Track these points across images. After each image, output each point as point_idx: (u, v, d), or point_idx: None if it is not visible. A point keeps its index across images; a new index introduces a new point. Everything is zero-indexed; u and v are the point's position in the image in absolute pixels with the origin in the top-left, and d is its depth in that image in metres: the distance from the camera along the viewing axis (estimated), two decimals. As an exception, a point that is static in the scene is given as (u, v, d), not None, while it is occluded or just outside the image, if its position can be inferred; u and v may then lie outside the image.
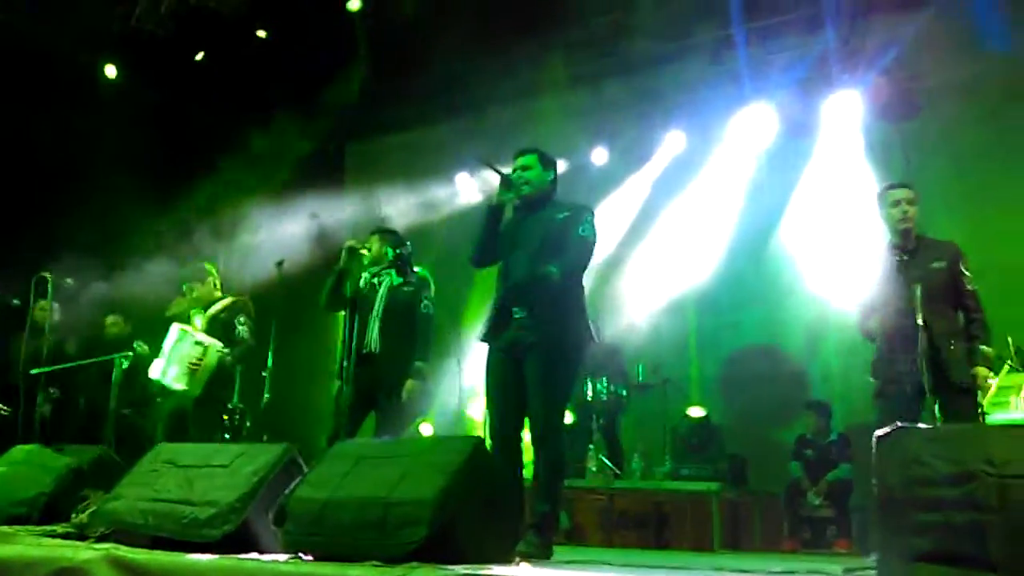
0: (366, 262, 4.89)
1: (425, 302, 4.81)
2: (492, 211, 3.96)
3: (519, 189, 3.92)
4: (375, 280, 4.86)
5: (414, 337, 4.73)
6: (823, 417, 6.58)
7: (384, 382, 4.63)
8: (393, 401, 4.62)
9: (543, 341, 3.72)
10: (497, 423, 3.85)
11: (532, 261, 3.79)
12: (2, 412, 5.73)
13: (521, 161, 4.01)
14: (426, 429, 7.79)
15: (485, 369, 3.94)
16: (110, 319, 6.79)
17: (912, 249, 4.13)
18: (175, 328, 5.18)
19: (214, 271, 5.59)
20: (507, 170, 4.00)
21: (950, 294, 4.07)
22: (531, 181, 3.95)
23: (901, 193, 4.21)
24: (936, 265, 4.06)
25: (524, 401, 3.77)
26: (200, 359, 5.00)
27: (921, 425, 2.52)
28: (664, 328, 7.66)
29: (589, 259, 3.89)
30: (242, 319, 5.29)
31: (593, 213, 3.95)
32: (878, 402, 4.15)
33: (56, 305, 6.38)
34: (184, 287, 5.65)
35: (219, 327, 5.29)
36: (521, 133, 8.95)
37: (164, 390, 5.27)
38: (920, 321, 3.71)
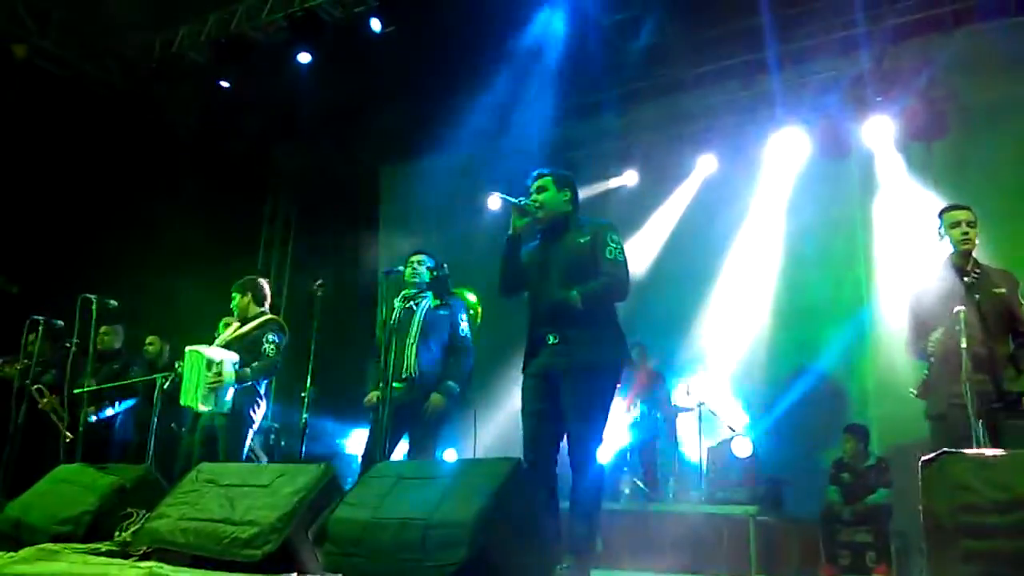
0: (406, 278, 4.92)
1: (463, 324, 4.83)
2: (510, 241, 3.93)
3: (534, 214, 3.87)
4: (412, 304, 4.88)
5: (450, 360, 4.76)
6: (861, 441, 6.48)
7: (420, 405, 4.66)
8: (428, 423, 4.66)
9: (577, 366, 3.67)
10: (529, 447, 3.78)
11: (560, 287, 3.74)
12: (66, 438, 5.84)
13: (535, 185, 3.95)
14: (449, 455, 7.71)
15: (522, 392, 3.89)
16: (148, 339, 6.91)
17: (974, 272, 4.08)
18: (187, 352, 5.22)
19: (262, 285, 5.64)
20: (520, 198, 3.93)
21: (1007, 321, 4.01)
22: (545, 204, 3.88)
23: (962, 214, 4.15)
24: (998, 291, 4.01)
25: (559, 426, 3.73)
26: (218, 376, 5.02)
27: (968, 451, 2.48)
28: (699, 352, 7.62)
29: (627, 281, 3.81)
30: (270, 337, 5.30)
31: (616, 230, 3.87)
32: (935, 424, 4.04)
33: (119, 328, 6.52)
34: (222, 323, 5.78)
35: (247, 343, 5.31)
36: (554, 155, 9.03)
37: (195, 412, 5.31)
38: (964, 344, 3.64)
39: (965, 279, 4.02)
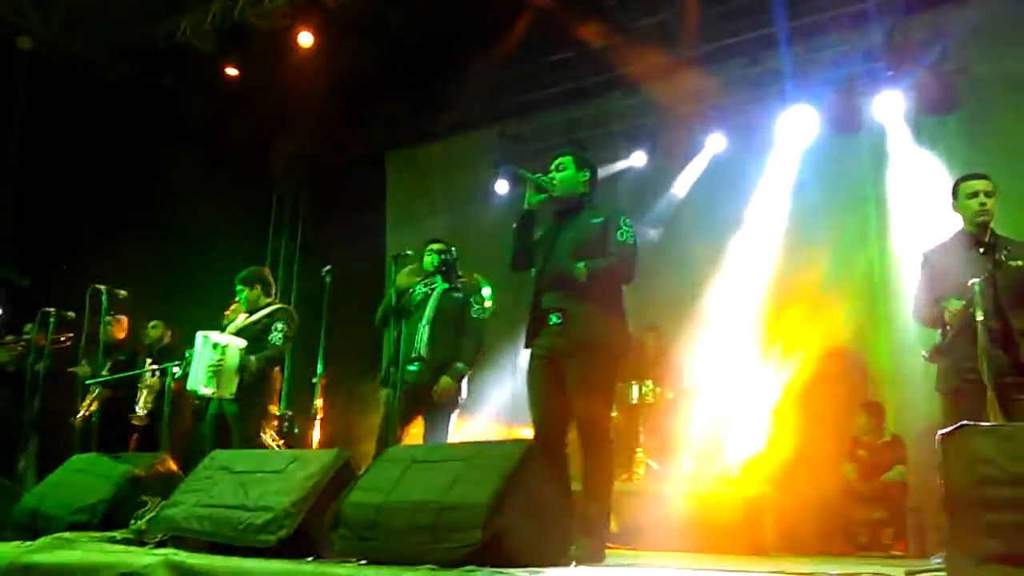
0: (408, 272, 4.95)
1: (476, 307, 4.88)
2: (524, 215, 3.96)
3: (550, 191, 3.90)
4: (427, 289, 4.96)
5: (462, 342, 4.81)
6: (876, 418, 6.45)
7: (431, 386, 4.70)
8: (440, 405, 4.70)
9: (580, 345, 3.70)
10: (538, 426, 3.82)
11: (566, 262, 3.77)
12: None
13: (556, 162, 3.99)
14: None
15: (527, 373, 3.93)
16: (151, 323, 6.91)
17: (989, 243, 4.00)
18: (198, 337, 5.23)
19: (267, 276, 5.64)
20: (538, 174, 3.97)
21: (1022, 293, 3.93)
22: (562, 182, 3.92)
23: (979, 184, 4.07)
24: (1015, 263, 3.92)
25: (567, 404, 3.75)
26: (220, 359, 5.01)
27: (987, 424, 2.45)
28: (713, 330, 7.57)
29: (634, 264, 3.83)
30: (279, 326, 5.31)
31: (628, 217, 3.89)
32: (947, 399, 3.98)
33: (122, 319, 6.53)
34: (230, 312, 5.78)
35: (256, 332, 5.32)
36: (561, 137, 8.98)
37: (201, 397, 5.33)
38: (980, 317, 3.59)
39: (981, 251, 3.96)
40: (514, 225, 3.99)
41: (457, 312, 4.85)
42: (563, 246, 3.83)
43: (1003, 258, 3.93)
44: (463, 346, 4.83)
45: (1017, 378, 3.78)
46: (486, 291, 5.03)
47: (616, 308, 3.83)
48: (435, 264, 4.94)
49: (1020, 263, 3.94)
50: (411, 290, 4.95)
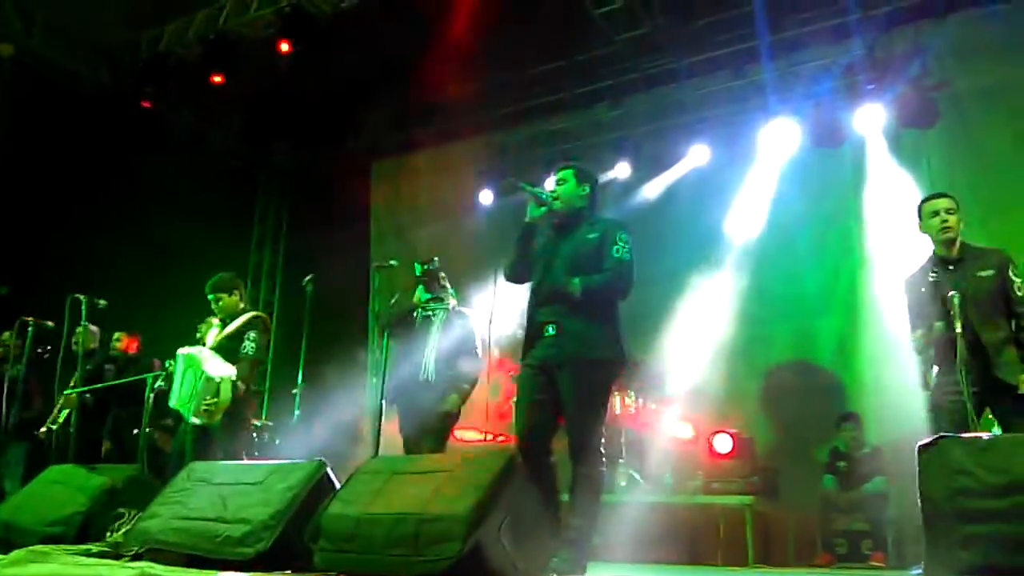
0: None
1: (478, 336, 5.07)
2: (525, 228, 3.96)
3: (550, 204, 3.91)
4: (430, 312, 5.10)
5: (464, 361, 5.02)
6: (857, 429, 6.48)
7: (436, 404, 4.89)
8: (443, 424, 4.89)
9: (574, 359, 3.68)
10: (523, 436, 3.77)
11: (561, 279, 3.78)
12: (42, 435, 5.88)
13: (557, 176, 4.02)
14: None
15: (518, 383, 3.93)
16: (115, 335, 6.83)
17: (957, 259, 4.04)
18: (181, 354, 5.14)
19: (239, 285, 5.58)
20: (538, 188, 4.01)
21: (1000, 302, 3.95)
22: (562, 196, 3.94)
23: (940, 203, 4.11)
24: (983, 273, 3.94)
25: (555, 416, 3.73)
26: (215, 398, 4.90)
27: (964, 435, 2.46)
28: (695, 341, 7.59)
29: (630, 280, 3.81)
30: (252, 335, 5.17)
31: (627, 230, 3.88)
32: (933, 414, 3.99)
33: (95, 328, 6.45)
34: (203, 324, 5.75)
35: (232, 343, 5.24)
36: (545, 149, 9.01)
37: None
38: (959, 330, 3.61)
39: (950, 267, 3.99)
40: (515, 239, 3.98)
41: (460, 336, 5.01)
42: (561, 260, 3.84)
43: (970, 270, 3.96)
44: (465, 367, 4.99)
45: (1001, 388, 3.80)
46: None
47: (611, 322, 3.80)
48: (417, 273, 4.94)
49: (989, 272, 3.96)
50: (414, 311, 5.14)
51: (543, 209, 3.91)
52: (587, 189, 3.99)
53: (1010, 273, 3.97)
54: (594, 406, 3.72)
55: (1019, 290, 3.93)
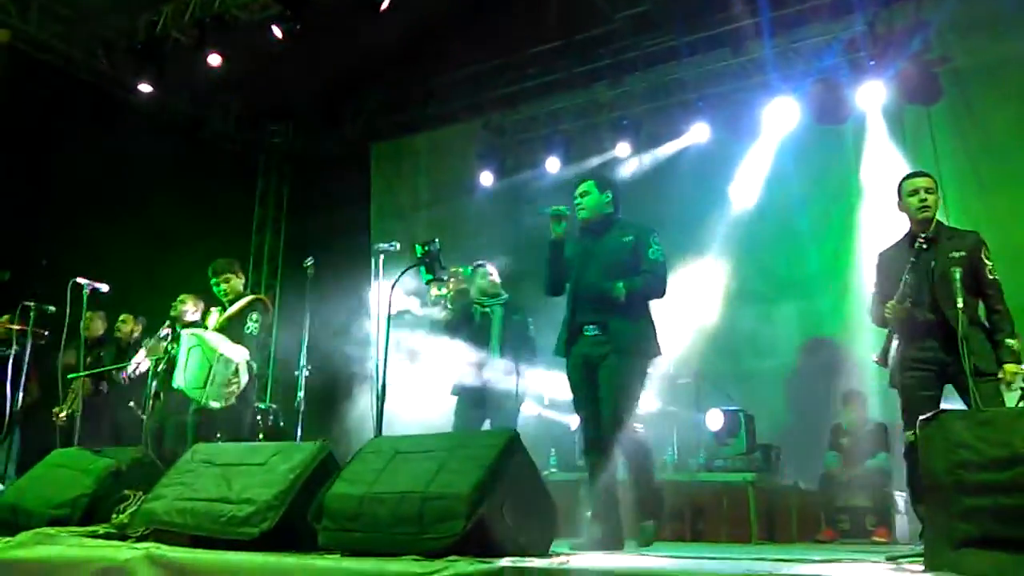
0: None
1: (532, 327, 5.49)
2: (553, 246, 4.24)
3: (566, 216, 4.19)
4: (487, 310, 5.47)
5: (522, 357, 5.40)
6: (860, 406, 6.49)
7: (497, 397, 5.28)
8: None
9: (616, 355, 4.02)
10: (588, 427, 4.18)
11: (602, 279, 4.08)
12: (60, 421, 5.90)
13: (579, 189, 4.29)
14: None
15: (568, 378, 4.27)
16: (120, 318, 6.85)
17: (931, 238, 4.04)
18: (187, 335, 5.14)
19: (240, 269, 5.59)
20: (552, 207, 4.26)
21: (970, 284, 3.94)
22: (587, 207, 4.22)
23: (920, 182, 4.13)
24: (956, 254, 3.95)
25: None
26: (236, 378, 4.97)
27: (966, 409, 2.47)
28: (697, 321, 7.59)
29: (666, 279, 4.15)
30: (254, 316, 5.26)
31: (657, 233, 4.19)
32: (900, 390, 4.05)
33: (102, 314, 6.47)
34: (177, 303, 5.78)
35: (235, 324, 5.27)
36: (544, 129, 8.97)
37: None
38: (907, 305, 3.66)
39: (924, 246, 3.99)
40: (546, 257, 4.29)
41: (518, 333, 5.40)
42: (596, 263, 4.15)
43: (942, 251, 3.97)
44: (522, 360, 5.38)
45: (968, 368, 3.80)
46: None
47: (648, 317, 4.16)
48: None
49: (960, 253, 3.95)
50: (471, 307, 5.54)
51: (564, 224, 4.19)
52: (610, 195, 4.27)
53: (983, 255, 3.98)
54: (630, 397, 4.08)
55: (991, 273, 3.95)
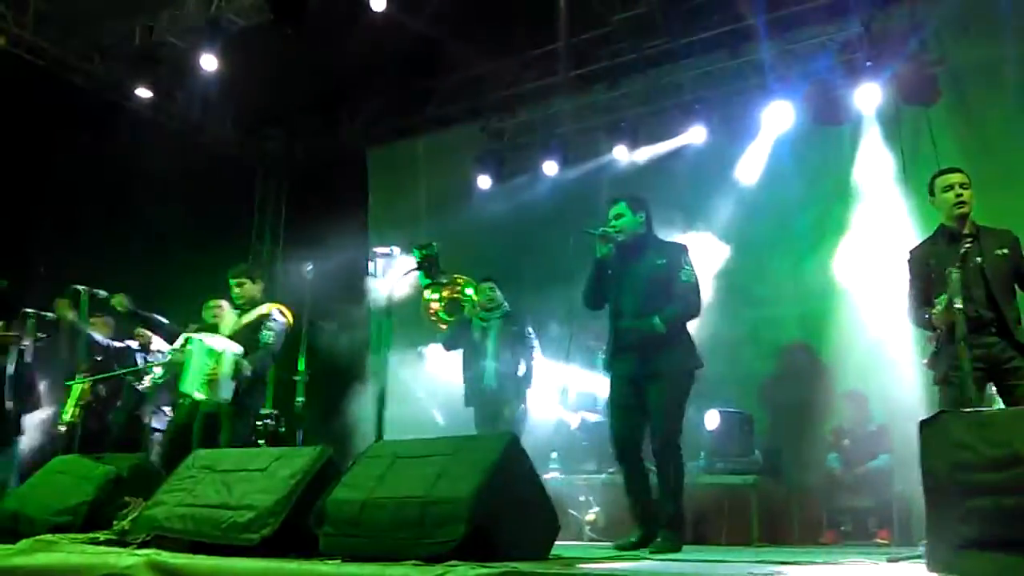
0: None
1: (535, 342, 5.96)
2: (597, 264, 4.44)
3: (615, 239, 4.39)
4: (486, 324, 5.83)
5: (525, 368, 5.89)
6: (862, 407, 6.48)
7: (501, 408, 5.79)
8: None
9: (659, 373, 4.27)
10: (621, 438, 4.40)
11: (641, 303, 4.33)
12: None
13: (612, 211, 4.50)
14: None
15: (609, 391, 4.56)
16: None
17: (970, 235, 4.00)
18: (190, 339, 5.17)
19: (260, 275, 5.60)
20: (600, 228, 4.46)
21: (1011, 281, 3.95)
22: (624, 229, 4.43)
23: (954, 177, 4.09)
24: (1000, 252, 3.93)
25: (644, 420, 4.36)
26: (215, 368, 4.97)
27: (966, 410, 2.47)
28: (696, 322, 7.58)
29: (699, 301, 4.43)
30: (270, 324, 5.26)
31: (689, 252, 4.44)
32: (945, 389, 3.94)
33: (109, 320, 6.46)
34: (209, 305, 5.76)
35: (249, 332, 5.27)
36: (542, 132, 8.97)
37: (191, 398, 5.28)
38: (959, 306, 3.61)
39: (968, 243, 3.95)
40: (589, 274, 4.49)
41: (519, 345, 5.80)
42: (637, 286, 4.38)
43: (988, 247, 3.94)
44: (526, 374, 5.86)
45: (1001, 367, 3.79)
46: (470, 291, 5.74)
47: (686, 337, 4.42)
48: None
49: (1005, 250, 3.95)
50: (470, 323, 5.92)
51: (610, 246, 4.39)
52: (643, 216, 4.50)
53: (1021, 251, 3.98)
54: (678, 410, 4.33)
55: None
